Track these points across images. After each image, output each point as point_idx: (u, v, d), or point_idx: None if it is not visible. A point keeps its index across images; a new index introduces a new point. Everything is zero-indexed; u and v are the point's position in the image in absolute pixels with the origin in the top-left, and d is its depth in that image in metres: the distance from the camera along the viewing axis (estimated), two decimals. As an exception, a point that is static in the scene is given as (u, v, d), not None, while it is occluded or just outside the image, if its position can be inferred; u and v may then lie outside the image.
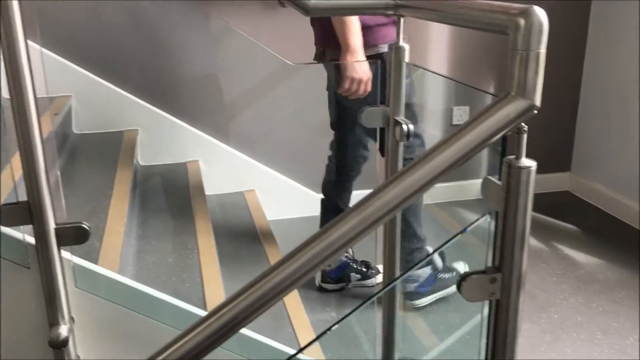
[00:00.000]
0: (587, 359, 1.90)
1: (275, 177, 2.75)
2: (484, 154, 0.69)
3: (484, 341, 0.77)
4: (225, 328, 0.65)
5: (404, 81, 1.16)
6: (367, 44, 1.85)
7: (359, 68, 1.83)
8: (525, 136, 0.67)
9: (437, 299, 2.16)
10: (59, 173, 1.17)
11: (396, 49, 1.14)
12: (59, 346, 1.05)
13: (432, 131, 2.66)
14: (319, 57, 2.03)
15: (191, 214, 2.03)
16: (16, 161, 1.01)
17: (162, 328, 1.18)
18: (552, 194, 3.10)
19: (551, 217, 2.86)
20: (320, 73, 2.11)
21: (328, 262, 0.66)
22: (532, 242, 2.62)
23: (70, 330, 1.08)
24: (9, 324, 1.09)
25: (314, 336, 1.65)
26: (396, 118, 1.17)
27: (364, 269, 2.23)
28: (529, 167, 0.68)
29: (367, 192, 0.67)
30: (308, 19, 2.00)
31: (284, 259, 0.65)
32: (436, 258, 2.18)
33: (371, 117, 1.20)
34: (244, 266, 2.01)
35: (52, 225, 1.01)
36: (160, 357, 0.65)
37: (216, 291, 1.56)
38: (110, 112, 2.45)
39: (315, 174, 2.39)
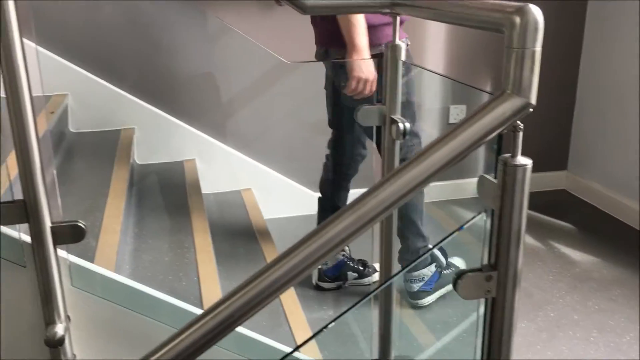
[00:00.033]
0: (583, 357, 1.91)
1: (272, 176, 2.74)
2: (480, 152, 0.69)
3: (480, 339, 0.77)
4: (221, 326, 0.65)
5: (400, 79, 1.16)
6: (372, 43, 1.82)
7: (365, 68, 1.81)
8: (520, 134, 0.68)
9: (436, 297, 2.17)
10: (55, 171, 1.17)
11: (392, 47, 1.14)
12: (55, 345, 1.05)
13: (428, 130, 2.67)
14: (322, 57, 2.00)
15: (188, 212, 2.03)
16: (12, 159, 1.00)
17: (158, 327, 1.18)
18: (548, 192, 3.11)
19: (547, 215, 2.87)
20: (317, 71, 2.11)
21: (324, 260, 0.67)
22: (528, 240, 2.63)
23: (67, 329, 1.07)
24: (5, 323, 1.09)
25: (310, 334, 1.66)
26: (392, 116, 1.17)
27: (361, 268, 2.23)
28: (525, 165, 0.68)
29: (364, 190, 0.67)
30: (305, 17, 2.00)
31: (280, 257, 0.65)
32: (440, 255, 2.18)
33: (367, 115, 1.20)
34: (241, 265, 2.01)
35: (48, 223, 1.01)
36: (157, 355, 0.65)
37: (213, 290, 1.56)
38: (106, 110, 2.44)
39: (312, 173, 2.39)
